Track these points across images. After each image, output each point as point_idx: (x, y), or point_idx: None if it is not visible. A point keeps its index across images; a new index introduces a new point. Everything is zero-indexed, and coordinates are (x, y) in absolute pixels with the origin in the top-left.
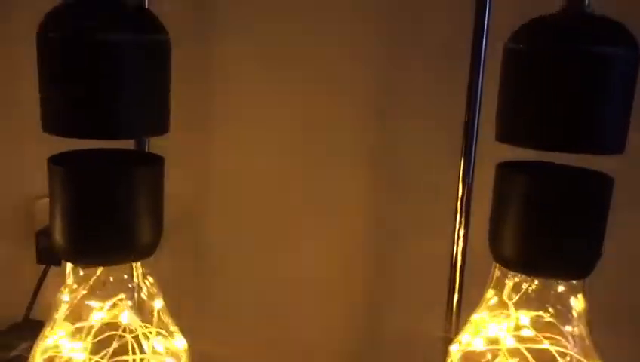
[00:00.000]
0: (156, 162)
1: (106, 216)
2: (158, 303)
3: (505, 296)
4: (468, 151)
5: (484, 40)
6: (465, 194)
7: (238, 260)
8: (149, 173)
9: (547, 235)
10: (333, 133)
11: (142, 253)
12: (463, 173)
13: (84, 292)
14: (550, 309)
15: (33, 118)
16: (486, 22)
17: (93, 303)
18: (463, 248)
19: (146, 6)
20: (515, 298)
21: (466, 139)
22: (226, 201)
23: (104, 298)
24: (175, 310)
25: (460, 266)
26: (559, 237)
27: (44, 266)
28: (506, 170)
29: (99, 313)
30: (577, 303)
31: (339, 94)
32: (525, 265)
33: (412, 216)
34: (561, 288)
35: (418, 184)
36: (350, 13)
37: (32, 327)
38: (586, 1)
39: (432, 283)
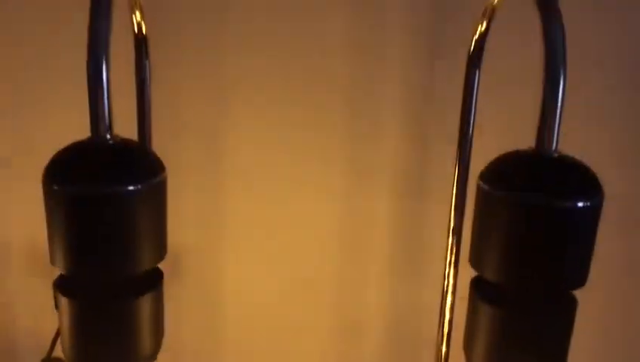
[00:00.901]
0: (156, 282)
1: (107, 339)
2: None
3: None
4: None
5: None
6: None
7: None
8: (148, 299)
9: (511, 356)
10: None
11: None
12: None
13: None
14: None
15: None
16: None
17: None
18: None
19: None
20: None
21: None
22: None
23: None
24: None
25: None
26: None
27: None
28: (475, 293)
29: None
30: None
31: None
32: None
33: None
34: None
35: None
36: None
37: None
38: (554, 145)
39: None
